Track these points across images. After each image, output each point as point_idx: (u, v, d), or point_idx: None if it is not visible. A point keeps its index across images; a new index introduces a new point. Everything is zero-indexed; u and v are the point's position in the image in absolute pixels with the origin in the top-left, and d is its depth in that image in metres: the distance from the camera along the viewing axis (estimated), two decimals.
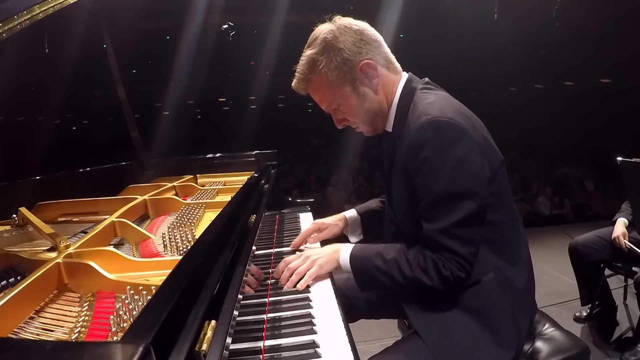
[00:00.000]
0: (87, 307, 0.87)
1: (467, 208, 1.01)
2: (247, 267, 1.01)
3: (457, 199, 1.01)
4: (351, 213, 1.50)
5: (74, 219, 1.57)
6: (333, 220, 1.47)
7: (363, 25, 1.14)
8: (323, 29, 1.14)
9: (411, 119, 1.09)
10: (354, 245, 1.20)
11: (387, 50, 1.17)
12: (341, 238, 1.43)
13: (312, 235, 1.42)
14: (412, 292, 1.13)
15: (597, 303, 2.46)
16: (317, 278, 1.16)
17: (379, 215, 1.44)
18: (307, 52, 1.14)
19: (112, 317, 0.78)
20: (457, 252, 1.02)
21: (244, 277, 0.96)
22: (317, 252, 1.20)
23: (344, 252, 1.17)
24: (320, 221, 1.47)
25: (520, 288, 1.13)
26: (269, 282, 1.18)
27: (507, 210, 1.13)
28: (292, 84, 1.19)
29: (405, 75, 1.20)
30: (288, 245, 1.48)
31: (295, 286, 1.13)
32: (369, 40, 1.13)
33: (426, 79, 1.21)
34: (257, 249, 1.40)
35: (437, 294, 1.08)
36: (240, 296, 0.90)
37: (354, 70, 1.11)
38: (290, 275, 1.15)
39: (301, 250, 1.36)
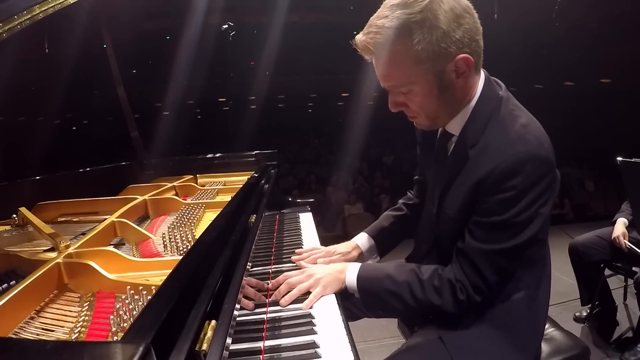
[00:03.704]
0: (87, 307, 0.87)
1: (517, 240, 0.98)
2: (245, 278, 1.00)
3: (514, 230, 0.97)
4: (363, 239, 1.39)
5: (74, 219, 1.57)
6: (346, 249, 1.36)
7: (470, 5, 0.94)
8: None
9: (501, 138, 0.97)
10: (360, 265, 1.14)
11: (482, 47, 0.98)
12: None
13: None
14: (422, 314, 1.11)
15: (597, 303, 2.46)
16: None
17: (394, 234, 1.40)
18: (400, 13, 0.89)
19: (112, 317, 0.78)
20: (484, 276, 1.00)
21: (241, 288, 0.96)
22: (320, 269, 1.14)
23: (350, 272, 1.12)
24: (332, 249, 1.35)
25: (544, 303, 1.13)
26: (268, 282, 1.18)
27: (545, 230, 1.09)
28: (361, 39, 0.95)
29: (482, 74, 1.04)
30: (288, 246, 1.48)
31: (293, 302, 1.06)
32: (476, 30, 0.94)
33: (502, 84, 1.07)
34: (257, 250, 1.40)
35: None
36: (240, 296, 0.90)
37: (448, 60, 0.92)
38: (289, 290, 1.08)
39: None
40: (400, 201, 1.49)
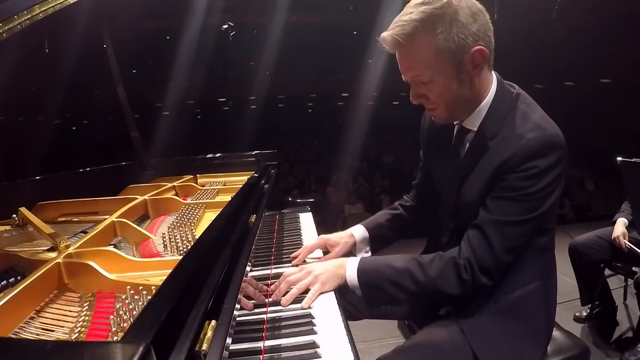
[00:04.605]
0: (87, 307, 0.87)
1: (528, 215, 1.02)
2: (245, 277, 1.00)
3: (528, 204, 1.02)
4: (359, 231, 1.39)
5: (74, 219, 1.57)
6: (341, 238, 1.36)
7: (484, 8, 1.04)
8: None
9: (521, 126, 1.04)
10: (359, 259, 1.15)
11: (493, 45, 1.06)
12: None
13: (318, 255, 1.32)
14: (429, 299, 1.14)
15: (597, 303, 2.46)
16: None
17: (388, 230, 1.41)
18: (424, 8, 0.98)
19: (112, 317, 0.78)
20: (493, 250, 1.03)
21: (242, 287, 0.95)
22: (318, 266, 1.13)
23: (350, 267, 1.12)
24: (326, 237, 1.35)
25: (554, 291, 1.18)
26: (269, 282, 1.18)
27: (554, 221, 1.14)
28: (388, 34, 1.02)
29: (495, 75, 1.12)
30: (288, 246, 1.48)
31: (293, 301, 1.05)
32: (489, 27, 1.03)
33: (515, 85, 1.15)
34: (257, 250, 1.40)
35: (487, 296, 1.09)
36: (240, 296, 0.90)
37: (465, 52, 1.00)
38: (288, 289, 1.07)
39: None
40: (397, 203, 1.51)
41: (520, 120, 1.05)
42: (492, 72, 1.11)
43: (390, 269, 1.10)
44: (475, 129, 1.11)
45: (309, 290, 1.08)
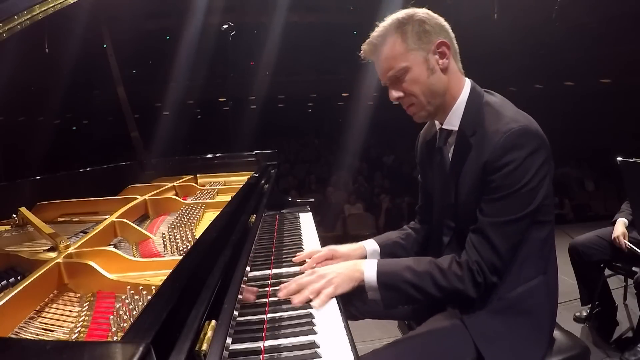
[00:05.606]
0: (87, 307, 0.87)
1: (524, 210, 1.07)
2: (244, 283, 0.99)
3: (521, 200, 1.07)
4: (371, 245, 1.39)
5: (74, 219, 1.57)
6: (349, 250, 1.35)
7: (446, 23, 1.20)
8: (413, 10, 1.19)
9: (496, 122, 1.11)
10: (376, 261, 1.15)
11: (457, 50, 1.21)
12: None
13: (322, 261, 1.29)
14: (445, 301, 1.18)
15: (597, 303, 2.46)
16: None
17: (400, 249, 1.42)
18: (392, 16, 1.17)
19: (112, 317, 0.78)
20: (497, 249, 1.07)
21: (241, 289, 0.95)
22: (331, 270, 1.12)
23: (368, 269, 1.12)
24: (334, 248, 1.34)
25: (556, 286, 1.22)
26: (269, 282, 1.18)
27: (552, 214, 1.17)
28: (366, 42, 1.20)
29: (467, 80, 1.22)
30: (288, 246, 1.48)
31: (304, 303, 1.04)
32: (449, 32, 1.19)
33: (489, 90, 1.24)
34: (257, 250, 1.40)
35: (491, 294, 1.12)
36: (240, 296, 0.90)
37: (430, 43, 1.14)
38: (298, 291, 1.06)
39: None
40: (404, 226, 1.53)
41: (495, 118, 1.12)
42: (466, 77, 1.21)
43: (411, 272, 1.11)
44: (456, 129, 1.19)
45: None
